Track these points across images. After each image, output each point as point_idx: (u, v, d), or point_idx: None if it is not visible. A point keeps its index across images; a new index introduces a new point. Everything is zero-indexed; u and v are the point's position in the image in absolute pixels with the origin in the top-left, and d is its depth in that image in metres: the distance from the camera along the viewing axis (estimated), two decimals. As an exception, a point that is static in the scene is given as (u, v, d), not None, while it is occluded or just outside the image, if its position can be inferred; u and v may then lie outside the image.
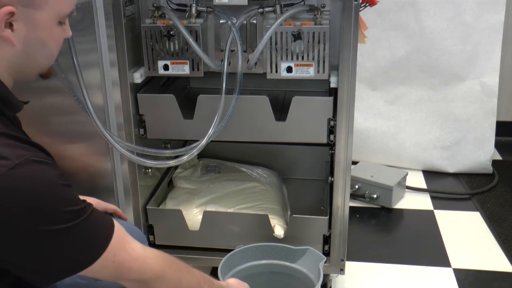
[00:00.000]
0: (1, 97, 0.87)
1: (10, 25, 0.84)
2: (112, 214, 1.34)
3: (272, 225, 1.67)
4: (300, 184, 2.14)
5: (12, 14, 0.83)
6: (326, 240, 1.64)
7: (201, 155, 2.11)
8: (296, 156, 2.15)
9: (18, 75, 0.91)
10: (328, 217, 1.62)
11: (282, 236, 1.65)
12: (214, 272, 1.89)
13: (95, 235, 0.87)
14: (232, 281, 1.25)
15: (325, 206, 1.76)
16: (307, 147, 2.10)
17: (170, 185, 2.00)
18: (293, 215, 1.66)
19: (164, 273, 0.98)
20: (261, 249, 1.56)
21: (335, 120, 1.51)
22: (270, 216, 1.67)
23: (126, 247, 0.91)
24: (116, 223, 0.91)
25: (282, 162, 2.16)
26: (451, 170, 2.58)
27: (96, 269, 0.87)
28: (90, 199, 1.32)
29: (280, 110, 1.62)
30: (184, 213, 1.70)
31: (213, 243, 1.70)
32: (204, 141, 1.45)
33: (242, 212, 1.75)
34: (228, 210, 1.76)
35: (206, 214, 1.68)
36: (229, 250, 1.66)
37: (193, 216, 1.74)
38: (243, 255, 1.55)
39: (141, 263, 0.94)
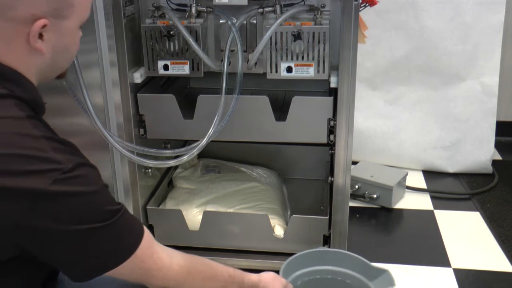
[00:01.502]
0: (35, 100, 0.90)
1: (40, 36, 0.87)
2: None
3: (272, 225, 1.67)
4: (300, 184, 2.14)
5: (45, 26, 0.86)
6: (326, 240, 1.64)
7: (201, 155, 2.11)
8: (296, 156, 2.15)
9: (42, 78, 0.94)
10: (328, 217, 1.62)
11: (282, 236, 1.65)
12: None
13: (127, 235, 0.90)
14: (267, 276, 1.18)
15: (325, 206, 1.76)
16: (307, 147, 2.11)
17: (170, 185, 2.00)
18: (293, 215, 1.66)
19: (187, 283, 1.01)
20: (332, 255, 1.49)
21: (335, 120, 1.51)
22: (270, 216, 1.67)
23: (154, 256, 0.94)
24: (146, 230, 0.94)
25: (282, 162, 2.16)
26: (451, 170, 2.58)
27: (124, 272, 0.90)
28: None
29: (280, 110, 1.62)
30: (184, 213, 1.70)
31: (213, 243, 1.70)
32: (204, 141, 1.45)
33: (242, 212, 1.75)
34: (228, 210, 1.76)
35: (206, 214, 1.68)
36: (229, 250, 1.66)
37: (193, 216, 1.75)
38: (310, 258, 1.49)
39: (165, 273, 0.96)
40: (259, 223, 1.66)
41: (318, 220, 1.63)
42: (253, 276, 1.14)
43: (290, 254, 1.68)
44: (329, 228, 1.62)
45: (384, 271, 1.42)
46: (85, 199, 0.83)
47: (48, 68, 0.93)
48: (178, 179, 2.00)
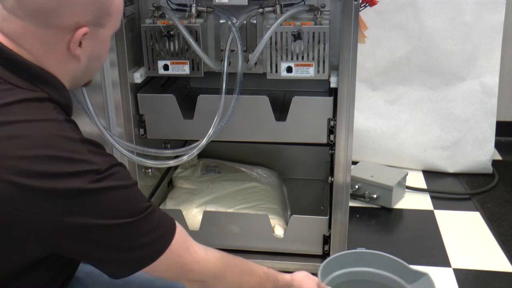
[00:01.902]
0: (69, 105, 0.93)
1: (79, 43, 0.89)
2: None
3: (272, 225, 1.67)
4: (300, 184, 2.14)
5: (85, 34, 0.88)
6: (326, 240, 1.64)
7: (201, 155, 2.11)
8: (296, 156, 2.16)
9: (72, 85, 0.97)
10: (328, 217, 1.62)
11: (282, 236, 1.65)
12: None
13: (160, 229, 0.90)
14: (300, 275, 1.19)
15: (325, 206, 1.76)
16: (307, 147, 2.11)
17: (170, 185, 2.00)
18: (293, 215, 1.66)
19: (225, 275, 1.01)
20: (370, 257, 1.49)
21: (335, 120, 1.51)
22: (270, 216, 1.67)
23: (190, 249, 0.95)
24: (178, 225, 0.95)
25: (282, 162, 2.16)
26: (451, 170, 2.58)
27: (162, 268, 0.91)
28: None
29: (280, 110, 1.62)
30: (184, 213, 1.70)
31: (213, 243, 1.69)
32: (204, 141, 1.45)
33: (242, 212, 1.75)
34: (228, 210, 1.76)
35: (206, 214, 1.68)
36: (229, 250, 1.65)
37: (193, 216, 1.75)
38: (347, 259, 1.48)
39: (203, 266, 0.97)
40: (259, 223, 1.66)
41: (318, 220, 1.63)
42: (286, 276, 1.16)
43: (290, 254, 1.68)
44: (329, 228, 1.62)
45: (423, 274, 1.41)
46: (120, 193, 0.85)
47: (81, 74, 0.96)
48: (178, 179, 2.00)
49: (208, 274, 0.98)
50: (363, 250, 1.49)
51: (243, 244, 1.69)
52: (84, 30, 0.87)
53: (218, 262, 1.01)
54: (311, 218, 1.64)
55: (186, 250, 0.95)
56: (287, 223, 1.70)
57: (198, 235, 1.67)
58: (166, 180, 1.95)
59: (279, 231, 1.67)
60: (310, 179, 2.15)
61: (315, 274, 1.77)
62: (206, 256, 0.98)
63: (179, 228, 0.94)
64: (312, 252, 1.67)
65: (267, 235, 1.66)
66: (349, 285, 1.47)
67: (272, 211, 1.77)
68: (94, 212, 0.81)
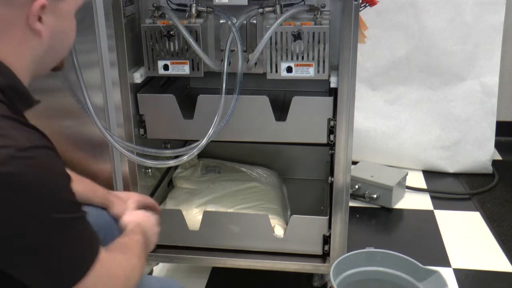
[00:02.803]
0: (14, 88, 0.87)
1: (39, 19, 0.86)
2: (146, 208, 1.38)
3: (272, 225, 1.67)
4: (300, 184, 2.14)
5: (44, 7, 0.85)
6: (326, 240, 1.64)
7: (201, 155, 2.11)
8: (296, 156, 2.15)
9: (38, 68, 0.92)
10: (328, 217, 1.62)
11: (282, 236, 1.65)
12: (215, 273, 1.89)
13: (90, 235, 0.86)
14: (139, 218, 1.23)
15: (325, 206, 1.76)
16: (307, 147, 2.10)
17: (170, 185, 2.00)
18: (293, 215, 1.66)
19: (131, 260, 0.99)
20: (381, 256, 1.50)
21: (335, 120, 1.50)
22: (270, 216, 1.67)
23: (109, 256, 0.91)
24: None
25: (282, 162, 2.16)
26: (451, 170, 2.58)
27: (91, 282, 0.84)
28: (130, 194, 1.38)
29: (280, 110, 1.62)
30: (184, 213, 1.70)
31: (213, 243, 1.70)
32: (204, 141, 1.45)
33: (242, 212, 1.75)
34: (228, 210, 1.76)
35: (206, 214, 1.68)
36: (229, 250, 1.66)
37: (193, 216, 1.75)
38: (361, 258, 1.50)
39: (121, 266, 0.94)
40: (259, 223, 1.65)
41: (318, 220, 1.63)
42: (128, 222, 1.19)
43: (290, 254, 1.68)
44: (329, 228, 1.62)
45: (434, 272, 1.42)
46: (44, 182, 0.77)
47: (45, 54, 0.91)
48: (178, 179, 2.00)
49: (127, 271, 0.95)
50: (373, 249, 1.49)
51: (243, 244, 1.69)
52: (41, 2, 0.83)
53: (121, 254, 0.98)
54: (311, 218, 1.64)
55: (113, 258, 0.91)
56: (287, 223, 1.70)
57: (198, 235, 1.68)
58: (166, 180, 1.95)
59: (279, 231, 1.67)
60: (310, 179, 2.14)
61: (316, 275, 1.78)
62: (116, 256, 0.95)
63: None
64: (312, 252, 1.67)
65: (267, 235, 1.66)
66: (361, 284, 1.48)
67: (272, 211, 1.77)
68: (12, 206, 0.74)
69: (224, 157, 2.16)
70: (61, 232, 0.80)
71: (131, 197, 1.35)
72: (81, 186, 1.27)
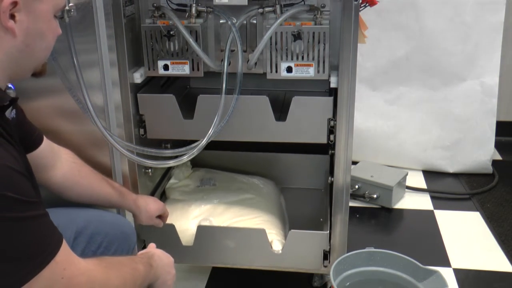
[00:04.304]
0: None
1: (12, 16, 0.85)
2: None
3: (270, 240, 1.61)
4: (298, 194, 2.07)
5: (15, 4, 0.84)
6: (326, 255, 1.60)
7: (196, 165, 2.07)
8: (294, 164, 2.09)
9: (15, 71, 0.91)
10: (328, 232, 1.58)
11: (280, 251, 1.60)
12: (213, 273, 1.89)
13: (45, 238, 0.83)
14: (157, 251, 1.22)
15: (325, 218, 1.69)
16: (305, 155, 2.05)
17: (163, 196, 1.91)
18: (292, 230, 1.60)
19: (109, 277, 0.96)
20: (381, 256, 1.50)
21: (335, 120, 1.50)
22: (267, 231, 1.61)
23: (75, 261, 0.89)
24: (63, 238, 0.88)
25: (279, 171, 2.09)
26: (451, 170, 2.58)
27: (45, 284, 0.82)
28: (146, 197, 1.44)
29: (280, 110, 1.62)
30: (177, 227, 1.63)
31: (208, 259, 1.66)
32: (204, 141, 1.45)
33: (238, 226, 1.68)
34: (223, 225, 1.69)
35: (200, 229, 1.61)
36: (225, 267, 1.61)
37: (187, 231, 1.67)
38: (363, 257, 1.49)
39: (89, 275, 0.91)
40: (256, 238, 1.59)
41: (318, 236, 1.58)
42: (144, 251, 1.18)
43: (287, 272, 1.65)
44: (329, 242, 1.58)
45: (434, 272, 1.42)
46: None
47: (21, 55, 0.89)
48: (171, 191, 1.90)
49: (96, 283, 0.92)
50: (373, 249, 1.49)
51: (239, 261, 1.65)
52: None
53: (99, 267, 0.95)
54: (310, 233, 1.58)
55: (72, 262, 0.87)
56: (285, 237, 1.64)
57: (192, 251, 1.61)
58: (166, 180, 1.94)
59: (277, 246, 1.61)
60: (308, 188, 2.07)
61: (316, 275, 1.78)
62: (87, 266, 0.91)
63: (64, 241, 0.87)
64: (312, 269, 1.64)
65: (265, 251, 1.59)
66: (361, 284, 1.48)
67: (270, 224, 1.69)
68: None
69: (220, 166, 2.08)
70: (3, 231, 0.77)
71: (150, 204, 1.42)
72: (108, 188, 1.30)
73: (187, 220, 1.72)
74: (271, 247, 1.60)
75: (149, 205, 1.48)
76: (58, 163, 1.26)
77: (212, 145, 1.55)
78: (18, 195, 0.79)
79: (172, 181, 1.96)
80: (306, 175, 2.09)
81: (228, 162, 2.09)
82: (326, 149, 1.88)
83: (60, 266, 0.84)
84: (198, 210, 1.77)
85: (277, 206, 1.88)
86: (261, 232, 1.59)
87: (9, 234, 0.78)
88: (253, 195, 1.88)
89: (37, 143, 1.19)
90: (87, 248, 1.12)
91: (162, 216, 1.54)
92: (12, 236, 0.78)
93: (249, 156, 2.08)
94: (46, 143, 1.22)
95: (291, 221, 1.86)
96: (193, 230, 1.64)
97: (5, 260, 0.78)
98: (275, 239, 1.63)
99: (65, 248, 0.87)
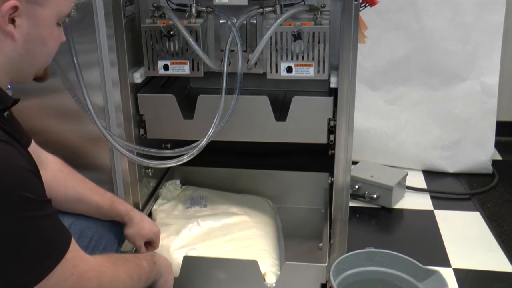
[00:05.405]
0: None
1: (12, 21, 0.85)
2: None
3: (263, 272, 1.49)
4: (295, 213, 1.95)
5: (16, 9, 0.84)
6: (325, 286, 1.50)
7: (186, 182, 1.97)
8: (291, 182, 1.97)
9: (16, 74, 0.91)
10: (326, 264, 1.49)
11: (274, 284, 1.48)
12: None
13: (57, 235, 0.84)
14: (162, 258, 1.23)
15: (324, 242, 1.60)
16: (304, 174, 1.95)
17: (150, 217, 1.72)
18: (287, 262, 1.50)
19: (117, 273, 0.98)
20: (381, 256, 1.48)
21: (335, 120, 1.51)
22: (261, 261, 1.49)
23: (84, 257, 0.91)
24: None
25: (275, 189, 1.97)
26: (451, 170, 2.58)
27: (56, 281, 0.83)
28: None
29: (280, 110, 1.62)
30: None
31: None
32: (204, 141, 1.45)
33: (228, 257, 1.54)
34: (213, 254, 1.57)
35: (186, 260, 1.47)
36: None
37: (172, 260, 1.51)
38: (363, 257, 1.47)
39: (98, 271, 0.93)
40: (248, 270, 1.47)
41: (315, 268, 1.47)
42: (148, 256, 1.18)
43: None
44: (328, 273, 1.44)
45: (434, 272, 1.41)
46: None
47: (22, 59, 0.89)
48: (158, 213, 1.75)
49: (105, 278, 0.94)
50: (373, 249, 1.49)
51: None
52: (12, 3, 0.82)
53: (108, 262, 0.97)
54: (306, 266, 1.48)
55: (81, 258, 0.89)
56: (280, 267, 1.53)
57: (178, 282, 1.41)
58: (166, 180, 1.94)
59: (270, 278, 1.48)
60: (307, 207, 1.95)
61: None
62: (96, 261, 0.93)
63: (72, 238, 0.88)
64: None
65: (257, 284, 1.47)
66: (361, 284, 1.47)
67: (263, 254, 1.57)
68: None
69: (211, 184, 1.95)
70: (17, 231, 0.78)
71: (146, 223, 1.35)
72: (97, 197, 1.27)
73: (173, 248, 1.58)
74: (264, 279, 1.48)
75: (145, 223, 1.36)
76: (42, 170, 1.24)
77: (206, 157, 1.50)
78: (34, 195, 0.80)
79: (159, 201, 1.82)
80: (304, 193, 1.97)
81: (221, 180, 1.97)
82: (326, 151, 1.83)
83: (70, 263, 0.85)
84: (186, 237, 1.63)
85: (272, 230, 1.74)
86: (254, 264, 1.46)
87: (25, 233, 0.79)
88: (246, 217, 1.74)
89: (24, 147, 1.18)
90: (79, 243, 1.11)
91: (151, 243, 1.41)
92: (28, 235, 0.79)
93: (243, 173, 1.96)
94: (33, 148, 1.16)
95: (287, 244, 1.75)
96: (179, 259, 1.50)
97: (22, 259, 0.79)
98: (269, 271, 1.50)
99: (74, 244, 0.88)
